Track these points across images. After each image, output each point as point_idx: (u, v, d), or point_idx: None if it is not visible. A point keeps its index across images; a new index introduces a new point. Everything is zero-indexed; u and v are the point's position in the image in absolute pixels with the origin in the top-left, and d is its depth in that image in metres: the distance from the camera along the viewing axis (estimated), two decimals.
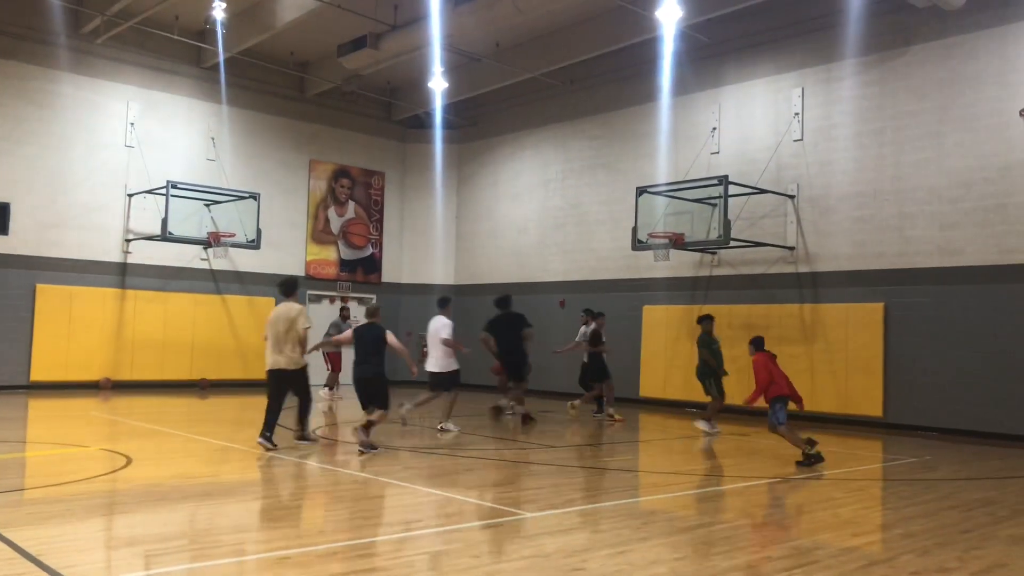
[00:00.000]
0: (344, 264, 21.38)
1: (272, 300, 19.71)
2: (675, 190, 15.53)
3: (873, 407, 14.01)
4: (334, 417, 13.88)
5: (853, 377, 14.27)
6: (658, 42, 16.20)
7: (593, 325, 14.61)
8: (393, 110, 22.09)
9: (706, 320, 13.02)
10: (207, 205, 17.86)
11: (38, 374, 16.66)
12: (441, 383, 12.03)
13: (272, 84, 20.04)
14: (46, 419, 13.10)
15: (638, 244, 15.37)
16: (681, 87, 17.16)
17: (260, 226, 17.91)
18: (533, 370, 13.82)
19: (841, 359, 14.44)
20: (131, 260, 17.95)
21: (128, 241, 17.88)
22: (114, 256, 17.79)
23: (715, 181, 14.50)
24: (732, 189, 14.44)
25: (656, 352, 17.04)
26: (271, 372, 9.84)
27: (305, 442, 10.19)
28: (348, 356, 16.24)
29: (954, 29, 13.64)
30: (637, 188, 15.75)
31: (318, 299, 20.82)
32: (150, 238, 17.48)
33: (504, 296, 13.74)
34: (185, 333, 18.50)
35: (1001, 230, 12.98)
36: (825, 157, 15.06)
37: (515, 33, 17.38)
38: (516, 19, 15.20)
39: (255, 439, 9.76)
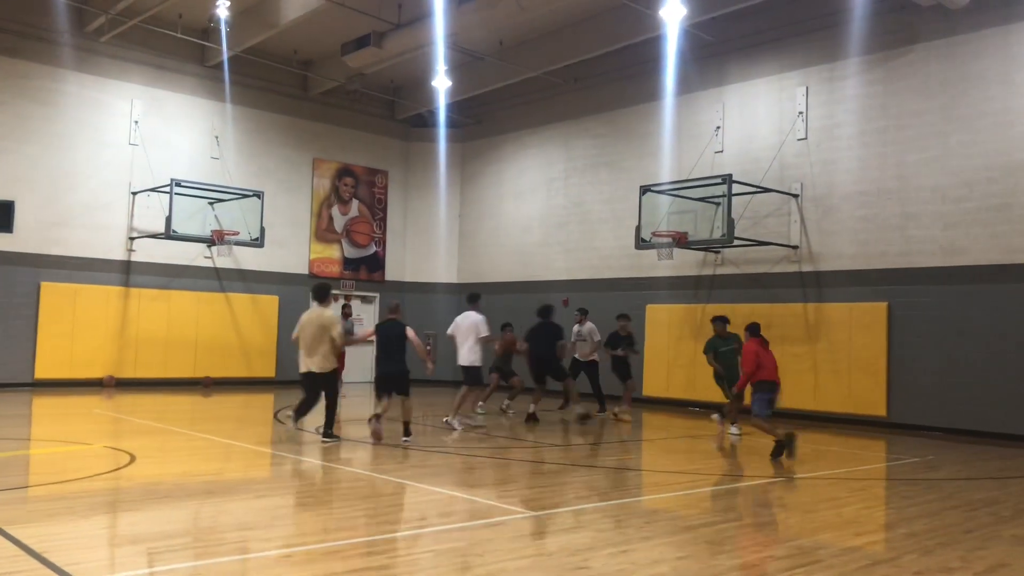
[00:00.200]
0: (347, 262, 21.39)
1: (276, 299, 19.81)
2: (679, 189, 15.52)
3: (876, 407, 14.00)
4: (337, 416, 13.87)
5: (856, 377, 14.25)
6: (662, 41, 16.18)
7: (588, 324, 14.59)
8: (397, 108, 22.10)
9: (716, 322, 12.87)
10: (211, 203, 17.88)
11: (42, 372, 16.70)
12: (473, 377, 12.46)
13: (276, 82, 20.06)
14: (50, 417, 13.13)
15: (641, 243, 15.36)
16: (685, 86, 17.14)
17: (264, 224, 17.94)
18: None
19: (844, 358, 14.43)
20: (135, 258, 17.98)
21: (132, 239, 17.90)
22: (118, 254, 17.81)
23: (719, 180, 14.49)
24: (736, 188, 14.43)
25: (659, 351, 17.03)
26: (303, 374, 10.35)
27: (330, 440, 10.30)
28: (351, 354, 16.32)
29: (958, 28, 13.61)
30: (641, 187, 15.74)
31: None
32: (154, 236, 17.51)
33: (547, 306, 13.97)
34: (189, 331, 18.53)
35: (1005, 230, 12.96)
36: (829, 156, 15.05)
37: (519, 31, 17.38)
38: (519, 17, 15.20)
39: (258, 437, 9.77)
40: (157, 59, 18.38)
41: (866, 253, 14.46)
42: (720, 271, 16.50)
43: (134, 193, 17.87)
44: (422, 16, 15.91)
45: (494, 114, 21.53)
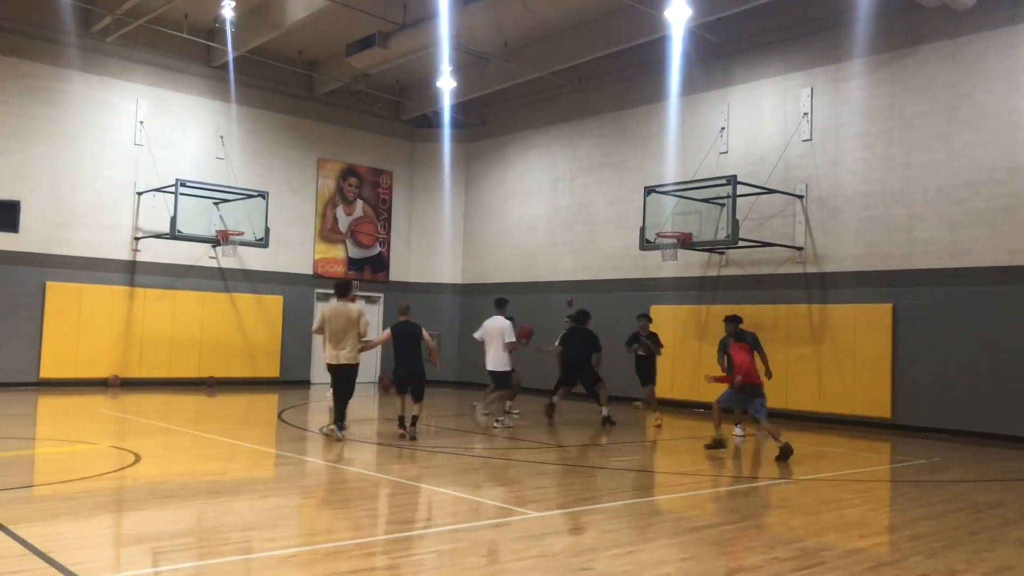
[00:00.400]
0: (352, 263, 21.41)
1: (280, 299, 19.84)
2: (683, 190, 15.51)
3: (881, 408, 13.97)
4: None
5: (861, 378, 14.22)
6: (667, 41, 16.19)
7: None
8: (402, 109, 22.11)
9: (727, 321, 12.69)
10: (216, 203, 17.92)
11: (47, 371, 16.74)
12: (500, 381, 12.71)
13: (281, 83, 20.08)
14: (55, 416, 13.16)
15: (646, 244, 15.35)
16: (690, 87, 17.13)
17: (268, 224, 17.98)
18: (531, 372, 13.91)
19: (849, 360, 14.40)
20: (140, 258, 18.02)
21: (137, 239, 17.94)
22: (123, 254, 17.85)
23: (723, 181, 14.48)
24: (740, 189, 14.42)
25: (664, 352, 16.96)
26: (330, 366, 10.70)
27: (337, 433, 10.59)
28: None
29: (964, 29, 13.58)
30: (645, 187, 15.73)
31: (326, 298, 20.84)
32: (159, 236, 17.55)
33: (583, 312, 13.96)
34: (193, 331, 18.56)
35: (1010, 231, 12.93)
36: (834, 157, 15.02)
37: (523, 32, 17.37)
38: (524, 18, 15.21)
39: (262, 437, 9.78)
40: (162, 59, 18.42)
41: (871, 254, 14.44)
42: (724, 272, 16.48)
43: (139, 193, 17.91)
44: (427, 17, 15.92)
45: (499, 115, 21.53)
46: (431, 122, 22.34)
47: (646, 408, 14.22)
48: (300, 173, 20.58)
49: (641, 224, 15.44)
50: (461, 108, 21.40)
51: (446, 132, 21.88)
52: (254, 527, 6.05)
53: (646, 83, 17.96)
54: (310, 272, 20.59)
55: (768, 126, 16.00)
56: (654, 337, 14.33)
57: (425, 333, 10.92)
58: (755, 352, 11.31)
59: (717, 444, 10.67)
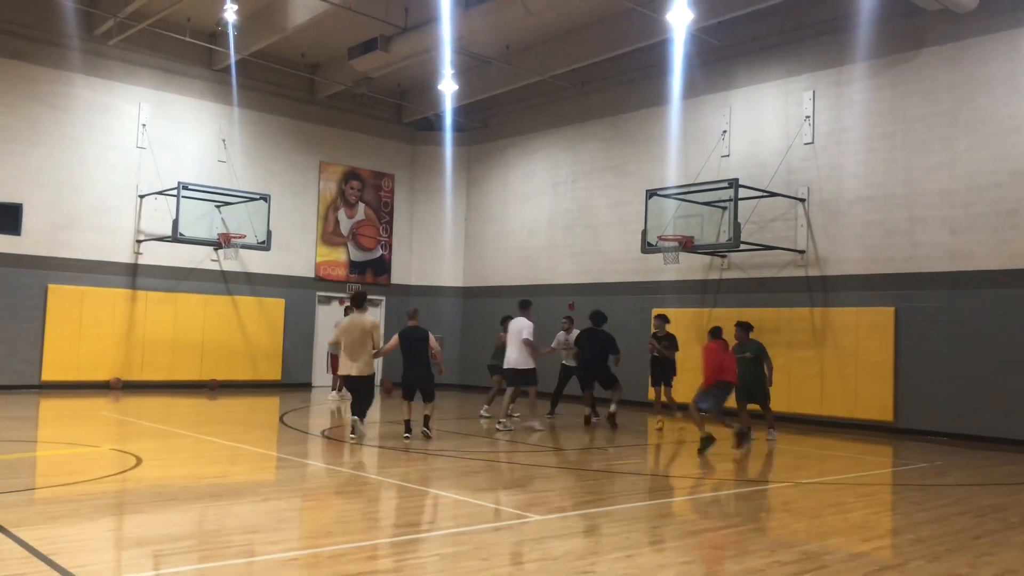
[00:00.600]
0: (354, 266, 21.42)
1: (282, 302, 19.85)
2: (685, 193, 15.52)
3: (883, 412, 13.95)
4: (340, 419, 13.90)
5: (863, 381, 14.21)
6: (668, 45, 16.21)
7: (575, 332, 14.34)
8: (403, 112, 22.13)
9: (736, 327, 12.55)
10: (218, 206, 17.93)
11: (49, 374, 16.75)
12: (518, 379, 12.90)
13: (283, 86, 20.11)
14: (57, 419, 13.16)
15: (648, 247, 15.35)
16: (691, 90, 17.14)
17: (270, 227, 18.00)
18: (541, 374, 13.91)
19: (851, 363, 14.39)
20: (142, 261, 18.03)
21: (139, 242, 17.96)
22: (125, 257, 17.87)
23: (725, 184, 14.48)
24: (742, 192, 14.42)
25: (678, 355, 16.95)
26: (347, 378, 11.04)
27: (355, 434, 10.81)
28: None
29: (965, 32, 13.58)
30: (647, 191, 15.74)
31: (327, 300, 20.87)
32: (161, 239, 17.57)
33: (600, 313, 13.90)
34: (195, 334, 18.56)
35: (1012, 235, 12.92)
36: (836, 160, 15.02)
37: (525, 35, 17.39)
38: (526, 21, 15.22)
39: (264, 439, 9.77)
40: (165, 63, 18.45)
41: (873, 258, 14.43)
42: (726, 275, 16.48)
43: (141, 196, 17.93)
44: (429, 20, 15.94)
45: (500, 118, 21.55)
46: (433, 125, 22.36)
47: (663, 415, 14.18)
48: (302, 176, 20.60)
49: (643, 227, 15.44)
50: (463, 111, 21.42)
51: (448, 135, 21.91)
52: (256, 530, 6.05)
53: (647, 86, 17.97)
54: (312, 275, 20.60)
55: (770, 129, 16.00)
56: (671, 338, 14.25)
57: (432, 339, 11.13)
58: (728, 350, 11.47)
59: (707, 443, 10.66)
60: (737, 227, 14.11)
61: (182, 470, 8.47)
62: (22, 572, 4.69)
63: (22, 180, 16.69)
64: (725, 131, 16.63)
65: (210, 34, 18.40)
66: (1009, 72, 13.13)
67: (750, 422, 12.34)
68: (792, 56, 15.78)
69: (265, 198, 17.97)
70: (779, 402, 13.81)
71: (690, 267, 16.74)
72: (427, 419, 11.16)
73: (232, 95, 19.16)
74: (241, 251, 18.39)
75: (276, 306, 19.83)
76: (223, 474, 8.48)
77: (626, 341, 16.03)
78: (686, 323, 16.74)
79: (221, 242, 17.52)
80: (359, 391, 11.06)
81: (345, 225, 21.31)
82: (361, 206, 21.62)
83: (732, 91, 16.68)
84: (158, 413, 13.71)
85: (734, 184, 14.22)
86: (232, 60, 18.06)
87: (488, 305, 20.72)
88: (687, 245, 14.96)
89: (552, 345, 14.77)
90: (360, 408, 11.05)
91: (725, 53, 16.62)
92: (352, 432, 10.85)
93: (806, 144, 15.39)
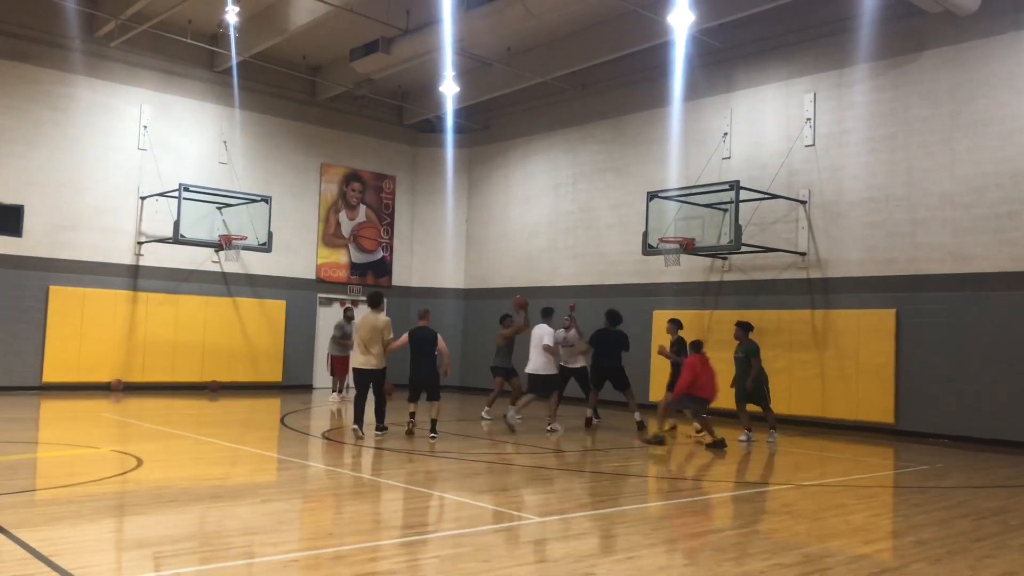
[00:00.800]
0: (355, 267, 21.42)
1: (283, 303, 19.87)
2: (686, 195, 15.52)
3: (884, 414, 13.95)
4: (341, 421, 13.91)
5: (864, 384, 14.20)
6: (670, 47, 16.21)
7: (573, 331, 14.26)
8: (404, 114, 22.15)
9: (736, 327, 12.56)
10: (219, 208, 17.95)
11: (50, 375, 16.76)
12: (539, 385, 13.00)
13: (284, 88, 20.13)
14: (58, 420, 13.17)
15: (649, 249, 15.35)
16: (692, 92, 17.14)
17: (271, 229, 18.01)
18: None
19: (852, 365, 14.38)
20: (143, 262, 18.05)
21: (140, 243, 17.97)
22: (126, 258, 17.88)
23: (726, 186, 14.48)
24: (743, 194, 14.42)
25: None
26: (356, 370, 11.29)
27: (381, 432, 11.31)
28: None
29: (967, 34, 13.59)
30: (648, 193, 15.74)
31: (328, 302, 20.87)
32: (162, 241, 17.59)
33: (615, 313, 13.79)
34: (196, 335, 18.57)
35: (1014, 236, 12.92)
36: (837, 162, 15.02)
37: (526, 37, 17.41)
38: (527, 23, 15.22)
39: (264, 441, 9.78)
40: (166, 64, 18.47)
41: (874, 260, 14.43)
42: (727, 277, 16.47)
43: (143, 198, 17.94)
44: (430, 22, 15.95)
45: (502, 119, 21.56)
46: (434, 127, 22.38)
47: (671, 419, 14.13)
48: (303, 178, 20.61)
49: (644, 229, 15.44)
50: (464, 113, 21.43)
51: (449, 137, 21.92)
52: (257, 531, 6.05)
53: (649, 88, 17.97)
54: (313, 277, 20.61)
55: (771, 131, 16.00)
56: (681, 343, 13.97)
57: (441, 341, 11.42)
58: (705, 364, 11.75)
59: (657, 440, 11.52)
60: (738, 229, 14.11)
61: (183, 471, 8.47)
62: (23, 573, 4.69)
63: (23, 181, 16.70)
64: (726, 133, 16.63)
65: (211, 36, 18.41)
66: (1010, 74, 13.13)
67: (750, 424, 12.37)
68: (793, 58, 15.79)
69: (266, 200, 17.98)
70: (780, 404, 13.82)
71: (691, 269, 16.74)
72: (434, 423, 11.31)
73: (233, 97, 19.19)
74: (242, 253, 18.40)
75: (277, 308, 19.84)
76: (224, 475, 8.49)
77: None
78: (687, 325, 16.69)
79: (222, 244, 17.53)
80: (369, 383, 11.22)
81: (346, 227, 21.32)
82: (362, 208, 21.63)
83: (733, 93, 16.69)
84: (159, 414, 13.72)
85: (735, 186, 14.21)
86: (233, 62, 18.08)
87: (489, 307, 20.71)
88: (688, 247, 14.95)
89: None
90: (358, 410, 11.20)
91: (726, 55, 16.62)
92: (357, 436, 11.02)
93: (807, 146, 15.39)
